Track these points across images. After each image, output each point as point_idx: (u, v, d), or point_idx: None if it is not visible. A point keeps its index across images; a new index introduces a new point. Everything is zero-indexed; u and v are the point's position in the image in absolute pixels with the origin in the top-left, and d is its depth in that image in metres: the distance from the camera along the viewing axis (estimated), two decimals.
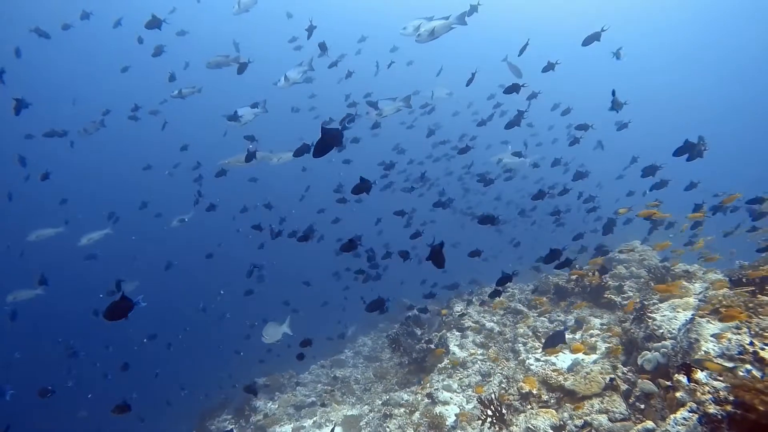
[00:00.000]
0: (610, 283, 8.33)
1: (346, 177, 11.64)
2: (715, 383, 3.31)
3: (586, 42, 7.79)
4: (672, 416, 3.61)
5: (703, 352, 4.31)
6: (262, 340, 6.80)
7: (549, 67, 8.45)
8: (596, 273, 8.23)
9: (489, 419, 5.92)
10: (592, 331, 7.51)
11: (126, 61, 15.75)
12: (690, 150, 5.64)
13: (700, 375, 3.45)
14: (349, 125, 8.49)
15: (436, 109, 15.75)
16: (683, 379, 3.56)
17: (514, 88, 7.41)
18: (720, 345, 4.02)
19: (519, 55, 8.62)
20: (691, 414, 3.40)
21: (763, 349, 3.73)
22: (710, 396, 3.18)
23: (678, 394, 3.59)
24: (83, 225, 11.63)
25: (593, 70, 37.35)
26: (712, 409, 3.01)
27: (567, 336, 7.70)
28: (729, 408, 2.83)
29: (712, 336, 4.33)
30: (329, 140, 4.15)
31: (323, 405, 9.10)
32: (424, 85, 13.50)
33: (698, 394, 3.31)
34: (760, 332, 4.03)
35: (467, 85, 8.48)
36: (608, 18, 11.82)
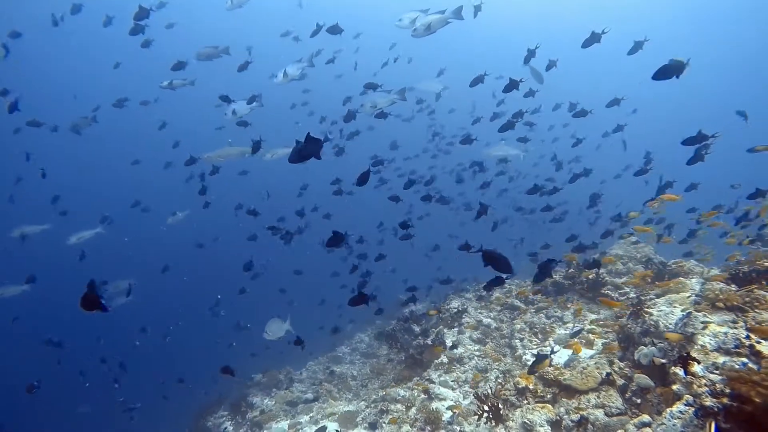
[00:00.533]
0: (607, 278, 8.32)
1: (341, 171, 11.63)
2: (712, 376, 3.29)
3: (586, 44, 7.74)
4: (668, 410, 3.60)
5: (699, 346, 4.31)
6: (265, 336, 6.72)
7: (551, 64, 8.44)
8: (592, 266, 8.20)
9: (485, 414, 5.91)
10: (588, 326, 7.50)
11: (124, 56, 15.65)
12: (700, 141, 5.58)
13: (696, 368, 3.43)
14: (331, 137, 8.40)
15: (429, 104, 15.72)
16: (680, 371, 3.55)
17: (513, 86, 7.41)
18: (717, 339, 4.01)
19: (525, 63, 8.56)
20: (687, 407, 3.39)
21: (759, 342, 3.72)
22: (707, 389, 3.16)
23: (675, 387, 3.57)
24: (76, 221, 11.56)
25: (593, 69, 37.26)
26: (708, 401, 2.99)
27: (564, 332, 7.70)
28: (725, 400, 2.81)
29: (708, 330, 4.31)
30: (309, 150, 4.04)
31: (316, 399, 9.08)
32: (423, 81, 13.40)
33: (695, 386, 3.29)
34: (757, 326, 4.02)
35: (472, 85, 8.48)
36: (610, 15, 11.80)
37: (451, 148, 15.49)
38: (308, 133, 4.08)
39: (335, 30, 8.61)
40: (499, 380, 6.95)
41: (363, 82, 9.47)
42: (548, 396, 5.99)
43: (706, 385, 3.23)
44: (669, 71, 4.81)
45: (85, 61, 34.17)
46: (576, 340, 7.02)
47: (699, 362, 3.50)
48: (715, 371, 3.49)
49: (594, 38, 7.59)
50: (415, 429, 6.78)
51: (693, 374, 3.42)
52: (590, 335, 7.14)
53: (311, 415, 8.62)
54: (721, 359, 3.70)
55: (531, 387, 6.13)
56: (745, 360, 3.53)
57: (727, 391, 2.84)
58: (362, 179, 5.15)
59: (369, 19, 27.31)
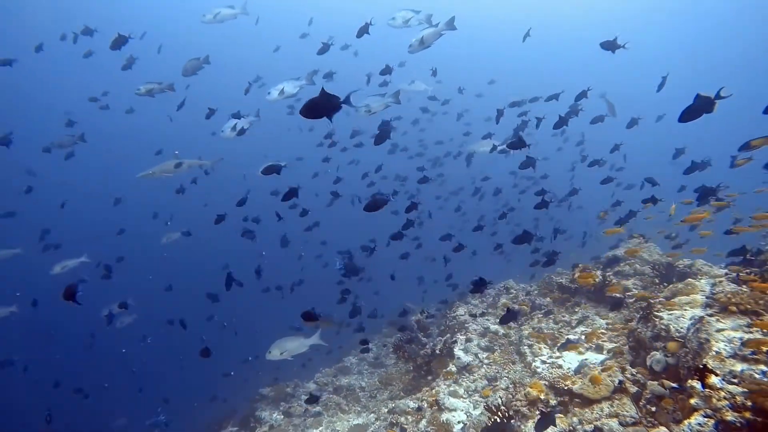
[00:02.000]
0: (613, 280, 8.22)
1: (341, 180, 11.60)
2: (731, 387, 3.21)
3: (604, 46, 7.61)
4: (686, 421, 3.51)
5: (714, 353, 4.22)
6: (269, 357, 6.16)
7: (581, 95, 8.42)
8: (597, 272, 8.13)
9: (497, 425, 5.81)
10: (598, 331, 7.40)
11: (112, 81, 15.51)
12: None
13: (714, 380, 3.35)
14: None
15: (429, 109, 15.65)
16: (697, 385, 3.46)
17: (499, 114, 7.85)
18: (732, 345, 3.92)
19: (557, 101, 8.62)
20: (706, 419, 3.30)
21: None
22: (727, 402, 3.08)
23: (692, 401, 3.48)
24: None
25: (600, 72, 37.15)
26: (729, 416, 2.90)
27: (573, 337, 7.60)
28: (748, 415, 2.73)
29: (723, 336, 4.23)
30: (323, 105, 3.67)
31: (325, 412, 8.98)
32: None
33: (714, 400, 3.20)
34: None
35: (497, 122, 8.60)
36: (619, 15, 11.69)
37: (446, 160, 15.45)
38: (323, 88, 3.71)
39: (363, 31, 8.18)
40: (510, 390, 6.86)
41: (362, 90, 9.40)
42: (560, 406, 5.90)
43: (725, 398, 3.14)
44: (698, 110, 4.13)
45: (74, 80, 33.94)
46: (592, 366, 6.90)
47: (717, 374, 3.41)
48: (733, 380, 3.40)
49: (611, 45, 7.45)
50: None
51: (711, 387, 3.33)
52: (596, 339, 7.04)
53: (320, 429, 8.53)
54: (739, 367, 3.61)
55: (542, 397, 6.03)
56: (764, 368, 3.44)
57: (749, 404, 2.76)
58: (373, 206, 5.01)
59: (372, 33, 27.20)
